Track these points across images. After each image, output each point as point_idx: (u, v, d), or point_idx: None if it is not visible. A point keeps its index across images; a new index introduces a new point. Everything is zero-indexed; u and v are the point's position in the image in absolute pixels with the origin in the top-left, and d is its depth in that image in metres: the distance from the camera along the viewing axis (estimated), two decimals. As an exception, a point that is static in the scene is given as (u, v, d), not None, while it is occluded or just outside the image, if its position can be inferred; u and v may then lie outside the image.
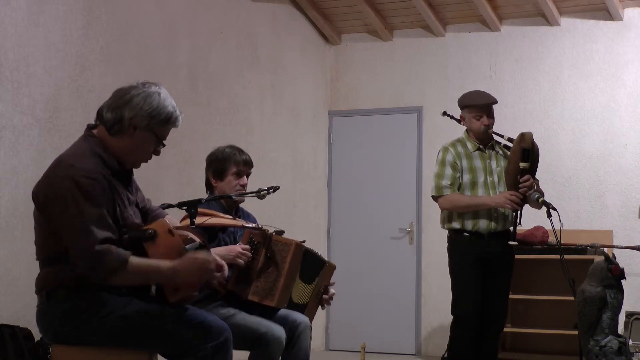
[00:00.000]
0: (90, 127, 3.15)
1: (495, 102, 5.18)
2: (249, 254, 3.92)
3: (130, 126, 3.06)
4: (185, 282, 3.03)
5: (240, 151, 4.26)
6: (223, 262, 3.25)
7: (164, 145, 3.18)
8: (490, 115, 5.13)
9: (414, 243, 8.03)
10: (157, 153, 3.18)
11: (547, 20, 7.69)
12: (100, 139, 3.09)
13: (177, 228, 3.15)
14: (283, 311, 4.04)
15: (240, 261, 3.89)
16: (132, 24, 5.83)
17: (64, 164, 3.00)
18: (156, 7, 6.09)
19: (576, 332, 4.99)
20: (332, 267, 4.26)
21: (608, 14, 7.50)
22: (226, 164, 4.20)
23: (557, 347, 7.16)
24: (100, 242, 2.89)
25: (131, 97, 3.07)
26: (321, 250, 7.97)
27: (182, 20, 6.36)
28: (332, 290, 4.28)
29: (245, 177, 4.25)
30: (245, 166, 4.24)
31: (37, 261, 3.11)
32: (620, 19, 7.49)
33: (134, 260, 2.94)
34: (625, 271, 5.18)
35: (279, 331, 3.89)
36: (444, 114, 5.43)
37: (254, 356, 3.92)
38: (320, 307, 4.28)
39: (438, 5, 7.78)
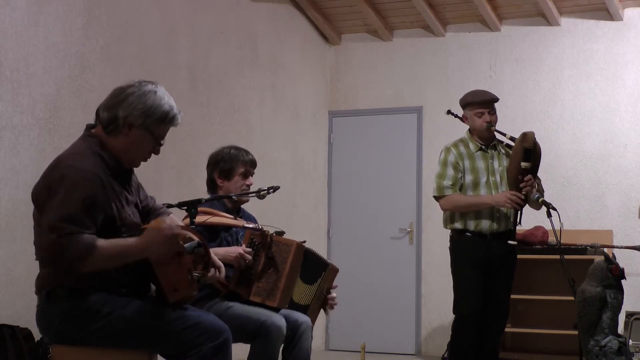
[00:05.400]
0: (89, 127, 3.15)
1: (497, 99, 5.17)
2: (249, 257, 3.93)
3: (125, 125, 3.06)
4: (156, 254, 3.00)
5: (246, 152, 4.32)
6: (221, 264, 3.26)
7: (161, 145, 3.17)
8: (492, 113, 5.13)
9: (414, 243, 8.03)
10: (157, 152, 3.18)
11: (547, 20, 7.69)
12: (99, 139, 3.09)
13: (177, 227, 3.15)
14: (284, 311, 4.04)
15: (241, 263, 3.90)
16: (132, 24, 5.83)
17: (63, 164, 3.00)
18: (156, 7, 6.09)
19: (576, 332, 4.99)
20: (335, 270, 4.27)
21: (608, 14, 7.50)
22: (234, 164, 4.23)
23: (557, 347, 7.16)
24: (66, 234, 2.86)
25: (126, 95, 3.07)
26: (321, 250, 7.97)
27: (182, 20, 6.36)
28: (333, 293, 4.29)
29: (250, 177, 4.28)
30: (252, 166, 4.30)
31: (37, 261, 3.11)
32: (620, 19, 7.49)
33: (101, 243, 2.90)
34: (625, 271, 5.18)
35: (280, 320, 3.88)
36: (448, 112, 5.42)
37: (255, 347, 3.90)
38: (322, 310, 4.28)
39: (438, 5, 7.78)
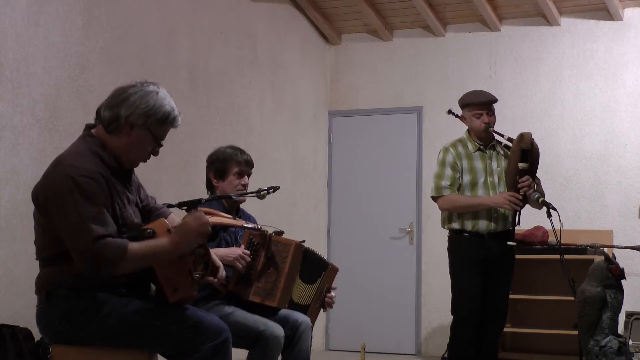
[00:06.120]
0: (89, 127, 3.15)
1: (495, 100, 5.18)
2: (248, 258, 3.93)
3: (127, 124, 3.06)
4: (186, 250, 3.04)
5: (242, 151, 4.29)
6: (220, 264, 3.26)
7: (161, 146, 3.17)
8: (491, 114, 5.13)
9: (414, 243, 8.03)
10: (156, 153, 3.18)
11: (547, 20, 7.69)
12: (99, 138, 3.09)
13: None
14: (284, 311, 4.04)
15: (239, 265, 3.90)
16: (132, 24, 5.83)
17: (63, 163, 3.00)
18: (156, 7, 6.09)
19: (576, 332, 4.99)
20: (335, 270, 4.27)
21: (608, 14, 7.50)
22: (228, 164, 4.22)
23: (557, 347, 7.16)
24: (98, 238, 2.88)
25: (128, 95, 3.07)
26: (321, 250, 7.97)
27: (182, 20, 6.36)
28: (332, 293, 4.29)
29: (246, 177, 4.27)
30: (247, 166, 4.27)
31: (37, 261, 3.11)
32: (620, 19, 7.49)
33: (133, 246, 2.93)
34: (625, 271, 5.17)
35: (278, 330, 3.89)
36: (449, 112, 5.43)
37: (252, 355, 3.92)
38: (322, 309, 4.28)
39: (438, 5, 7.78)
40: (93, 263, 2.90)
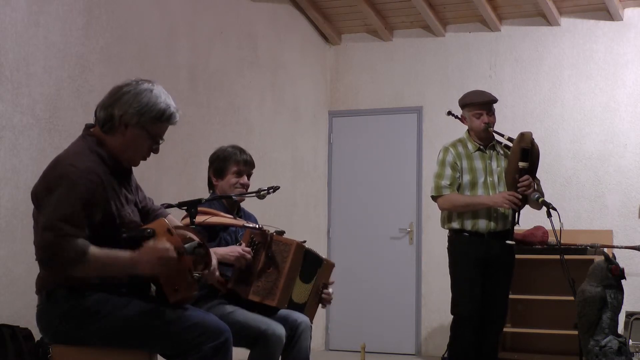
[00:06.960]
0: (88, 127, 3.15)
1: (495, 100, 5.18)
2: (249, 256, 3.93)
3: (121, 124, 3.06)
4: (147, 272, 2.99)
5: (242, 151, 4.29)
6: (215, 264, 3.26)
7: (159, 143, 3.16)
8: (491, 114, 5.13)
9: (414, 243, 8.03)
10: (156, 151, 3.17)
11: (547, 20, 7.69)
12: (98, 138, 3.09)
13: (177, 228, 3.15)
14: (283, 311, 4.04)
15: (242, 261, 3.90)
16: (132, 24, 5.83)
17: (62, 163, 3.00)
18: (156, 7, 6.09)
19: (576, 332, 4.99)
20: (330, 266, 4.26)
21: (608, 14, 7.50)
22: (227, 163, 4.22)
23: (557, 347, 7.17)
24: (61, 235, 2.86)
25: (122, 94, 3.07)
26: (321, 250, 7.97)
27: (182, 20, 6.36)
28: (330, 289, 4.28)
29: (245, 176, 4.26)
30: (246, 166, 4.26)
31: (37, 261, 3.11)
32: (620, 19, 7.49)
33: (94, 250, 2.91)
34: (625, 271, 5.18)
35: (279, 329, 3.89)
36: (449, 113, 5.43)
37: (254, 354, 3.92)
38: (320, 305, 4.28)
39: (438, 5, 7.78)
40: (47, 257, 2.89)
